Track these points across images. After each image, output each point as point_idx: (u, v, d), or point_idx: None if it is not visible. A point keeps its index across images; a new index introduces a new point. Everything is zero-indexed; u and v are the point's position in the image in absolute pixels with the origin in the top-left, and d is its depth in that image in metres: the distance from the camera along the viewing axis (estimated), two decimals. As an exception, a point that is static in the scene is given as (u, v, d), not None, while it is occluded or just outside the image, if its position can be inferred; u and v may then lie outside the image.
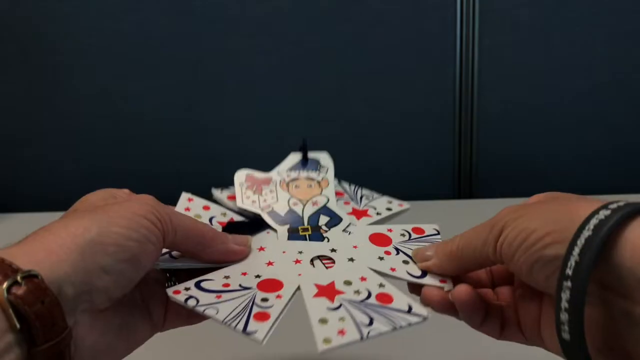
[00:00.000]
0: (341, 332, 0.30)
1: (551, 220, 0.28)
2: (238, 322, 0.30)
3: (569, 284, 0.26)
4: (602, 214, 0.26)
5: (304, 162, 0.43)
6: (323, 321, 0.30)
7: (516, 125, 0.92)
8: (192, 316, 0.35)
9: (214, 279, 0.34)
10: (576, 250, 0.26)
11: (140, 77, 0.90)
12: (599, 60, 0.89)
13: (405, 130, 0.93)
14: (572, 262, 0.26)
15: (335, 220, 0.40)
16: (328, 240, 0.38)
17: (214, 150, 0.94)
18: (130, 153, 0.94)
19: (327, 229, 0.39)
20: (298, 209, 0.40)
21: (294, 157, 0.44)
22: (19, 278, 0.25)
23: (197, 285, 0.33)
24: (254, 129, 0.93)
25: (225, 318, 0.30)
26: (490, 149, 0.93)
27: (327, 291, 0.32)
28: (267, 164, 0.40)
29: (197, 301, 0.32)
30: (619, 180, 0.93)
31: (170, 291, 0.33)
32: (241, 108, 0.92)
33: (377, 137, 0.93)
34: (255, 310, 0.31)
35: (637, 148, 0.92)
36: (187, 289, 0.33)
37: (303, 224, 0.39)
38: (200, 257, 0.35)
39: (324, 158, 0.44)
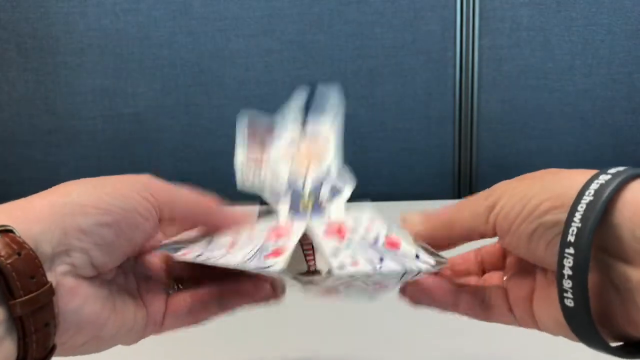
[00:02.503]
0: (354, 263, 0.30)
1: (548, 187, 0.28)
2: (252, 261, 0.30)
3: (571, 250, 0.25)
4: (602, 178, 0.26)
5: (308, 108, 0.41)
6: (335, 255, 0.30)
7: (516, 125, 0.92)
8: (194, 312, 0.34)
9: (220, 240, 0.33)
10: (577, 216, 0.25)
11: (140, 77, 0.90)
12: (598, 60, 0.89)
13: (405, 130, 0.93)
14: (573, 228, 0.25)
15: (338, 188, 0.38)
16: (329, 217, 0.37)
17: (213, 150, 0.94)
18: (130, 153, 0.94)
19: (329, 202, 0.37)
20: (299, 181, 0.38)
21: (298, 101, 0.40)
22: None
23: (204, 248, 0.33)
24: (254, 129, 0.93)
25: (238, 263, 0.30)
26: (490, 149, 0.93)
27: (336, 231, 0.32)
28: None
29: (209, 258, 0.32)
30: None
31: (178, 256, 0.33)
32: (241, 108, 0.92)
33: (377, 137, 0.93)
34: (271, 249, 0.31)
35: (637, 148, 0.92)
36: (196, 255, 0.33)
37: (304, 198, 0.38)
38: (205, 222, 0.34)
39: (333, 98, 0.40)
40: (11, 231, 0.26)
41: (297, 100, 0.39)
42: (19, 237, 0.26)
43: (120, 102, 0.92)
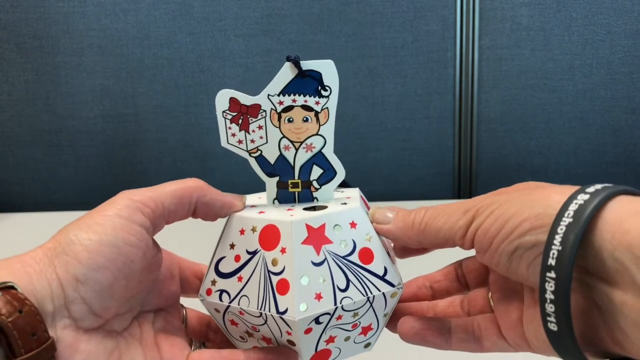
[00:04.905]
0: (318, 295, 0.31)
1: (526, 206, 0.27)
2: (269, 306, 0.31)
3: (552, 274, 0.25)
4: (581, 198, 0.25)
5: (301, 81, 0.36)
6: (304, 280, 0.31)
7: (516, 125, 0.92)
8: None
9: (225, 255, 0.34)
10: (557, 239, 0.25)
11: (140, 77, 0.91)
12: (599, 60, 0.89)
13: (405, 130, 0.93)
14: (554, 251, 0.25)
15: (329, 174, 0.37)
16: (317, 200, 0.37)
17: (213, 150, 0.94)
18: (130, 153, 0.94)
19: (318, 186, 0.37)
20: (290, 154, 0.36)
21: (288, 72, 0.36)
22: None
23: (217, 271, 0.34)
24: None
25: (258, 306, 0.32)
26: (490, 148, 0.93)
27: (316, 237, 0.32)
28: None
29: (229, 295, 0.33)
30: (619, 181, 0.93)
31: (203, 292, 0.34)
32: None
33: (377, 137, 0.93)
34: (274, 280, 0.32)
35: (637, 148, 0.92)
36: (213, 282, 0.34)
37: (293, 177, 0.36)
38: (199, 208, 0.34)
39: (328, 72, 0.36)
40: (13, 287, 0.26)
41: (285, 74, 0.36)
42: (21, 293, 0.26)
43: (120, 102, 0.92)
